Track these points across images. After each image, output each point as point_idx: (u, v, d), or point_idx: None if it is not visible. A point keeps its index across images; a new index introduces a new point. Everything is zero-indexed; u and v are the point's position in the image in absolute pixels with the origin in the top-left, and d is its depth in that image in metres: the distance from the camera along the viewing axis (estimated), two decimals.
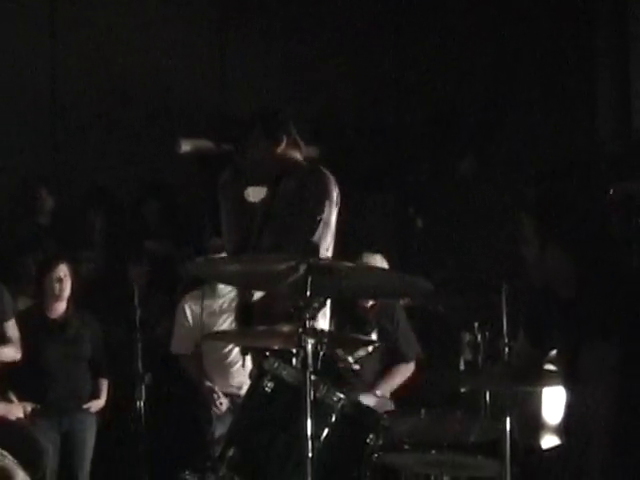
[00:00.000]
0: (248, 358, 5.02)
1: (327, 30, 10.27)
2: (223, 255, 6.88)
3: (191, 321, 7.31)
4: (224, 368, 7.17)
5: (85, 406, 7.22)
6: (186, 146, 4.94)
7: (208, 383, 7.24)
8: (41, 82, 10.35)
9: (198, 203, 9.00)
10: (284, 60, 10.22)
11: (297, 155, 4.96)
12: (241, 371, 7.03)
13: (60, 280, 7.19)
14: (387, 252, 7.05)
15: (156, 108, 10.25)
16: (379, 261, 6.90)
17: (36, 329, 7.11)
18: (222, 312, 7.18)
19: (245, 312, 4.90)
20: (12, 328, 6.84)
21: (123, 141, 10.20)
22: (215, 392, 7.17)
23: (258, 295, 4.82)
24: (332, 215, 4.78)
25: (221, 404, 7.09)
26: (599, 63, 9.22)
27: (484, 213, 8.44)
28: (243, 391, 6.96)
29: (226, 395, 7.14)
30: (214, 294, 7.21)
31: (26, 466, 5.79)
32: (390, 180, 9.59)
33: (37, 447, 6.69)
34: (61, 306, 7.26)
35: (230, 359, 7.13)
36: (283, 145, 4.92)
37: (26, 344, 6.90)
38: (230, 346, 7.05)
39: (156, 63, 10.19)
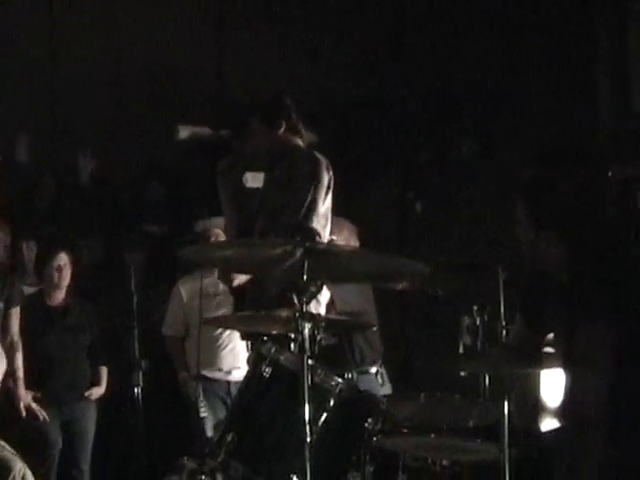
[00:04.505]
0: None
1: (326, 13, 10.23)
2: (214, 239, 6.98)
3: (185, 303, 7.27)
4: (213, 351, 7.05)
5: (86, 394, 7.24)
6: (184, 132, 4.94)
7: (185, 374, 7.21)
8: (40, 67, 10.35)
9: (196, 188, 8.99)
10: (282, 45, 10.20)
11: (298, 141, 4.94)
12: (230, 354, 7.02)
13: (60, 269, 7.20)
14: (386, 235, 7.03)
15: (155, 93, 10.24)
16: (347, 226, 6.75)
17: (36, 317, 7.13)
18: (217, 294, 7.03)
19: (238, 297, 4.89)
20: (15, 316, 6.86)
21: (121, 127, 10.19)
22: (189, 384, 7.13)
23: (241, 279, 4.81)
24: (321, 198, 4.76)
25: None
26: (598, 44, 9.19)
27: (483, 197, 8.44)
28: (231, 377, 6.99)
29: (213, 380, 7.06)
30: (210, 277, 6.99)
31: (34, 456, 5.81)
32: (389, 164, 9.58)
33: (46, 438, 6.73)
34: (61, 294, 7.27)
35: (220, 342, 7.06)
36: (282, 131, 4.91)
37: (26, 332, 6.91)
38: (220, 329, 6.98)
39: (154, 49, 10.19)
